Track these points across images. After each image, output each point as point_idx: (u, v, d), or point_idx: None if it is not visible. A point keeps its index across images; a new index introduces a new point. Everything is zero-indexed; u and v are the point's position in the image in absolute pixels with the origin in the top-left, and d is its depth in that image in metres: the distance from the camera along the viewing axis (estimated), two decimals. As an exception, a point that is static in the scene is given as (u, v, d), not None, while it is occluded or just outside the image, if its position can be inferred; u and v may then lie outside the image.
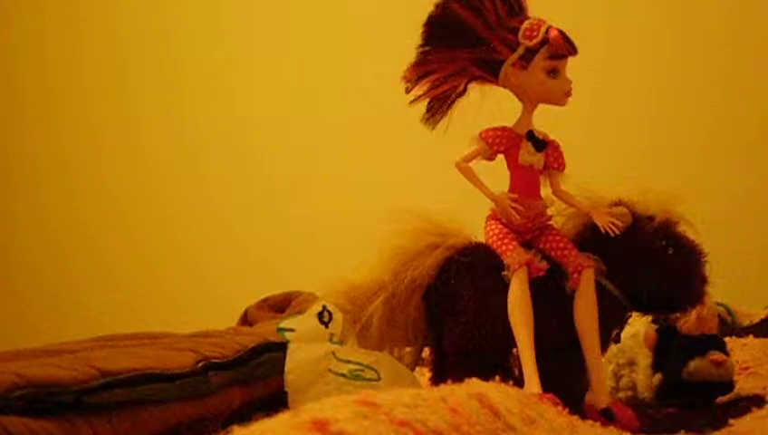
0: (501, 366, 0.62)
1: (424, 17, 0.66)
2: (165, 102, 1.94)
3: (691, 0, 1.62)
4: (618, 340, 0.70)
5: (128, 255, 1.94)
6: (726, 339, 0.77)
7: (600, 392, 0.62)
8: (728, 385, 0.71)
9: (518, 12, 0.65)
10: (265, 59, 1.88)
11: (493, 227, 0.65)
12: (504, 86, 0.66)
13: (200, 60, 1.93)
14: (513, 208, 0.64)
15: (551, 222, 0.67)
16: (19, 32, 2.04)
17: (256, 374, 0.68)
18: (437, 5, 0.66)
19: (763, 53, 1.58)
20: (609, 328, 0.66)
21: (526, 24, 0.64)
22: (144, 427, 0.54)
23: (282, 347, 0.68)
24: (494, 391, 0.45)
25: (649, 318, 0.74)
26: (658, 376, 0.72)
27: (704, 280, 0.66)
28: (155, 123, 1.95)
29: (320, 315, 0.69)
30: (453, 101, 0.67)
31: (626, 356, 0.76)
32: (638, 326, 0.75)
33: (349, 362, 0.66)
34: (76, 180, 1.99)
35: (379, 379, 0.65)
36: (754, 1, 1.58)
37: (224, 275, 1.83)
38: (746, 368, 0.81)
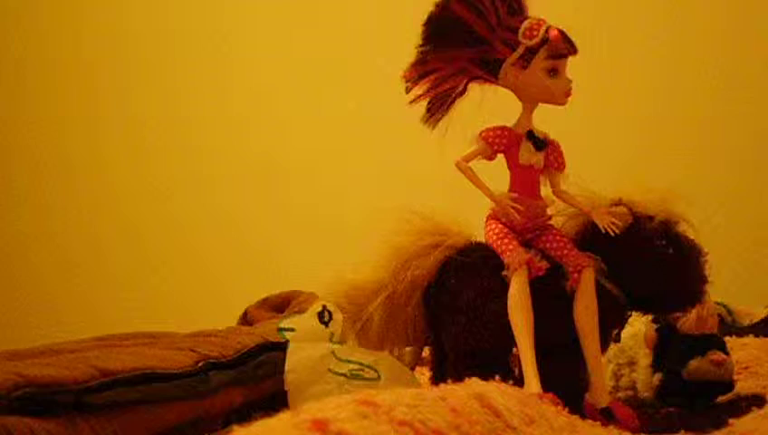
0: (501, 366, 0.62)
1: (424, 17, 0.66)
2: (167, 102, 1.94)
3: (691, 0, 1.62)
4: (618, 339, 0.70)
5: (128, 254, 1.94)
6: (726, 338, 0.77)
7: (600, 392, 0.62)
8: (728, 385, 0.71)
9: (518, 11, 0.65)
10: (267, 59, 1.89)
11: (493, 226, 0.65)
12: (504, 86, 0.66)
13: (203, 59, 1.93)
14: (514, 208, 0.64)
15: (551, 222, 0.67)
16: (22, 31, 2.03)
17: (256, 374, 0.68)
18: (437, 5, 0.66)
19: (761, 52, 1.58)
20: (610, 328, 0.66)
21: (526, 23, 0.64)
22: (144, 426, 0.54)
23: (282, 347, 0.68)
24: (494, 390, 0.45)
25: (649, 318, 0.74)
26: (658, 376, 0.72)
27: (703, 279, 0.66)
28: (157, 123, 1.95)
29: (320, 315, 0.69)
30: (453, 101, 0.67)
31: (626, 356, 0.76)
32: (639, 326, 0.75)
33: (349, 361, 0.66)
34: (78, 179, 1.99)
35: (378, 378, 0.65)
36: (752, 2, 1.58)
37: (224, 274, 1.83)
38: (746, 367, 0.81)
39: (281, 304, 1.07)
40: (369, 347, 0.68)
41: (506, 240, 0.64)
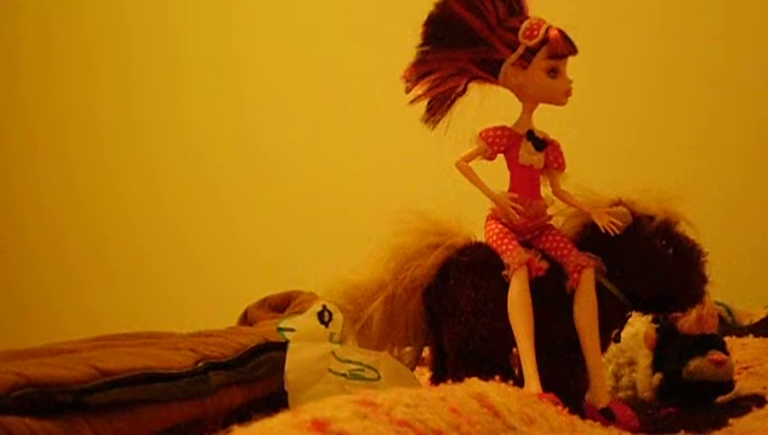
0: (501, 366, 0.62)
1: (424, 17, 0.66)
2: (168, 103, 1.94)
3: (691, 1, 1.62)
4: (618, 339, 0.70)
5: (129, 254, 1.95)
6: (726, 338, 0.77)
7: (600, 392, 0.62)
8: (728, 385, 0.71)
9: (518, 11, 0.65)
10: (268, 61, 1.89)
11: (493, 226, 0.65)
12: (504, 86, 0.66)
13: (205, 60, 1.93)
14: (514, 208, 0.64)
15: (551, 222, 0.67)
16: (25, 31, 2.04)
17: (256, 374, 0.68)
18: (437, 5, 0.66)
19: (761, 52, 1.58)
20: (610, 328, 0.66)
21: (526, 23, 0.64)
22: (144, 427, 0.54)
23: (282, 347, 0.68)
24: (494, 390, 0.45)
25: (649, 318, 0.74)
26: (658, 376, 0.72)
27: (704, 280, 0.66)
28: (158, 124, 1.95)
29: (320, 315, 0.69)
30: (453, 101, 0.67)
31: (626, 356, 0.76)
32: (639, 326, 0.75)
33: (349, 361, 0.66)
34: (79, 180, 1.99)
35: (378, 378, 0.65)
36: (752, 2, 1.58)
37: (224, 274, 1.83)
38: (746, 367, 0.81)
39: (281, 304, 1.08)
40: (369, 347, 0.68)
41: (506, 240, 0.64)
